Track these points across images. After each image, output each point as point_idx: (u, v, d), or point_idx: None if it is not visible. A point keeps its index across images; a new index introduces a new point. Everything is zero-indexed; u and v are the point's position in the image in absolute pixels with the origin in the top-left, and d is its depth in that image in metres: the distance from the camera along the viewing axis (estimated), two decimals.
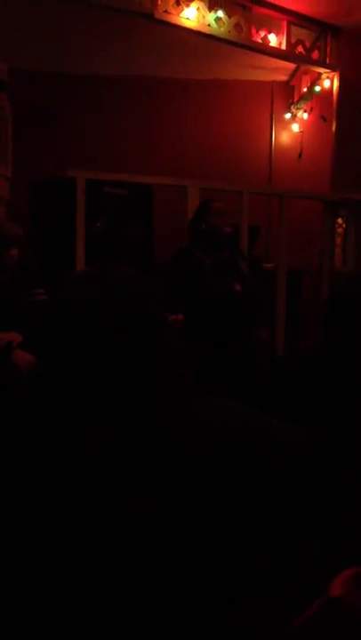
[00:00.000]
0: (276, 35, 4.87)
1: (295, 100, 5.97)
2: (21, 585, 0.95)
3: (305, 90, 5.67)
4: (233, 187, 4.69)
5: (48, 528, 0.94)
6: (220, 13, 4.50)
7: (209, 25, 4.47)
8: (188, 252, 3.69)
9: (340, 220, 4.93)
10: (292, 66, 5.52)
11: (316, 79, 5.37)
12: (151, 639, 0.93)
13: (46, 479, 0.96)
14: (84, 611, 0.93)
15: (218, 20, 4.50)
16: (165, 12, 4.27)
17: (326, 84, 5.29)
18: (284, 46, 4.90)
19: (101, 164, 5.16)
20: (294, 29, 4.90)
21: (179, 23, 4.34)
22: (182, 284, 3.52)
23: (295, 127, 6.03)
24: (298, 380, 1.63)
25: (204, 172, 5.40)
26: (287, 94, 6.09)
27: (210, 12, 4.46)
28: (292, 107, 6.02)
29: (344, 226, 4.93)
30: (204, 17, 4.43)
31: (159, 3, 4.24)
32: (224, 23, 4.53)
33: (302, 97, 5.77)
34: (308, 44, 5.06)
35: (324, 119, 5.38)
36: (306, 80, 5.66)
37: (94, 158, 5.38)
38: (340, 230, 4.95)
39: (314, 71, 5.34)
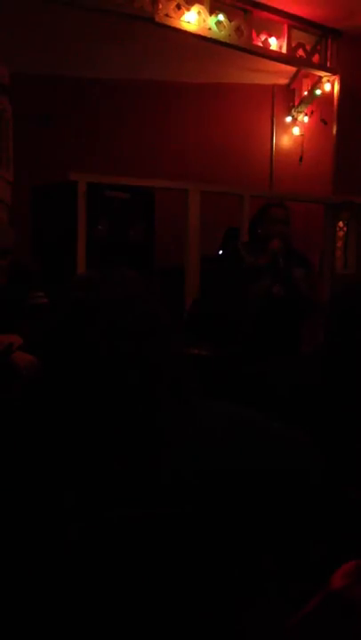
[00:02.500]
0: (277, 38, 4.88)
1: (296, 103, 5.98)
2: (21, 588, 0.95)
3: (306, 93, 5.68)
4: (234, 190, 4.71)
5: (48, 530, 0.94)
6: (221, 17, 4.51)
7: (210, 29, 4.47)
8: (235, 251, 3.78)
9: (341, 224, 4.93)
10: (292, 69, 5.53)
11: (317, 82, 5.38)
12: None
13: (46, 483, 0.96)
14: (85, 614, 0.93)
15: (219, 23, 4.50)
16: (166, 15, 4.28)
17: (327, 87, 5.30)
18: (284, 50, 4.91)
19: (103, 168, 5.17)
20: (295, 33, 4.91)
21: (179, 27, 4.35)
22: (223, 281, 3.60)
23: (296, 130, 6.04)
24: (299, 383, 1.63)
25: (205, 175, 5.40)
26: (288, 98, 6.10)
27: (211, 15, 4.47)
28: (292, 110, 6.02)
29: (345, 229, 4.94)
30: (204, 21, 4.44)
31: (160, 6, 4.24)
32: (225, 27, 4.54)
33: (303, 100, 5.78)
34: (308, 47, 5.06)
35: (325, 122, 5.39)
36: (307, 83, 5.67)
37: (96, 162, 5.39)
38: (341, 233, 4.95)
39: (314, 74, 5.35)
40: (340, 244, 4.95)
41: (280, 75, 5.71)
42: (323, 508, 1.10)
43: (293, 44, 4.95)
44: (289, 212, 3.88)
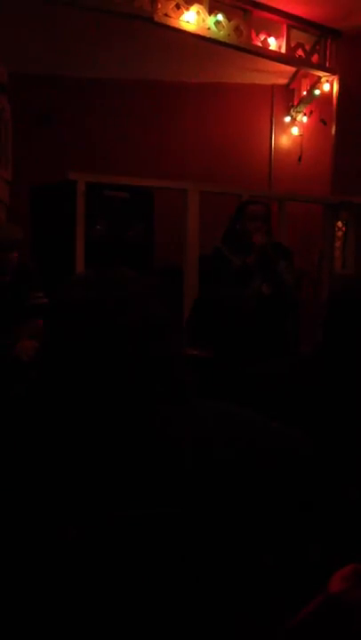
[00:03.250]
0: (276, 38, 4.88)
1: (295, 103, 5.98)
2: (21, 588, 0.95)
3: (305, 93, 5.68)
4: (233, 190, 4.70)
5: (48, 530, 0.94)
6: (220, 17, 4.51)
7: (209, 28, 4.47)
8: (219, 253, 3.79)
9: (339, 224, 4.93)
10: (291, 69, 5.53)
11: (316, 82, 5.38)
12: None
13: (45, 481, 0.96)
14: (85, 614, 0.93)
15: (218, 23, 4.50)
16: (165, 15, 4.28)
17: (326, 87, 5.30)
18: (283, 50, 4.90)
19: (102, 168, 5.17)
20: (294, 33, 4.91)
21: (179, 26, 4.35)
22: (212, 283, 3.62)
23: (295, 130, 6.04)
24: (298, 383, 1.63)
25: (204, 175, 5.40)
26: (287, 97, 6.10)
27: (210, 15, 4.47)
28: (291, 110, 6.02)
29: (344, 229, 4.94)
30: (203, 20, 4.44)
31: (159, 6, 4.24)
32: (224, 27, 4.54)
33: (302, 100, 5.78)
34: (307, 47, 5.06)
35: (324, 122, 5.39)
36: (306, 83, 5.67)
37: (95, 161, 5.39)
38: (339, 234, 4.95)
39: (314, 74, 5.35)
40: (338, 243, 4.95)
41: (279, 74, 5.71)
42: (321, 508, 1.10)
43: (292, 44, 4.95)
44: (268, 209, 3.89)
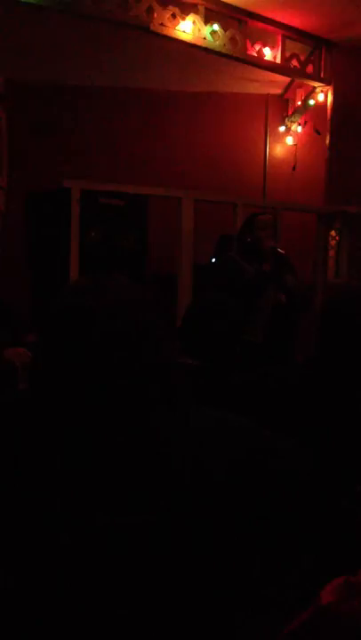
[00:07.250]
0: (271, 48, 4.90)
1: (289, 113, 6.01)
2: (15, 593, 0.94)
3: (299, 103, 5.71)
4: (227, 199, 4.72)
5: (41, 536, 0.94)
6: (216, 27, 4.53)
7: (204, 38, 4.49)
8: (233, 262, 3.90)
9: (333, 233, 4.96)
10: (286, 79, 5.56)
11: (311, 93, 5.41)
12: None
13: (38, 487, 0.96)
14: (79, 620, 0.93)
15: (213, 33, 4.53)
16: (162, 24, 4.30)
17: (320, 97, 5.33)
18: (278, 60, 4.93)
19: (98, 175, 5.18)
20: (289, 43, 4.94)
21: (175, 36, 4.37)
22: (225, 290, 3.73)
23: (289, 140, 6.07)
24: (291, 392, 1.63)
25: (198, 183, 5.42)
26: (282, 107, 6.13)
27: (206, 25, 4.49)
28: (286, 120, 6.06)
29: (337, 238, 4.96)
30: (199, 30, 4.46)
31: (155, 16, 4.26)
32: (219, 36, 4.57)
33: (296, 110, 5.81)
34: (302, 57, 5.09)
35: (318, 132, 5.42)
36: (300, 93, 5.70)
37: (90, 169, 5.40)
38: (333, 243, 4.97)
39: (308, 85, 5.38)
40: (332, 253, 4.97)
41: (274, 84, 5.74)
42: (314, 516, 1.10)
43: (287, 55, 4.98)
44: (274, 218, 4.05)
